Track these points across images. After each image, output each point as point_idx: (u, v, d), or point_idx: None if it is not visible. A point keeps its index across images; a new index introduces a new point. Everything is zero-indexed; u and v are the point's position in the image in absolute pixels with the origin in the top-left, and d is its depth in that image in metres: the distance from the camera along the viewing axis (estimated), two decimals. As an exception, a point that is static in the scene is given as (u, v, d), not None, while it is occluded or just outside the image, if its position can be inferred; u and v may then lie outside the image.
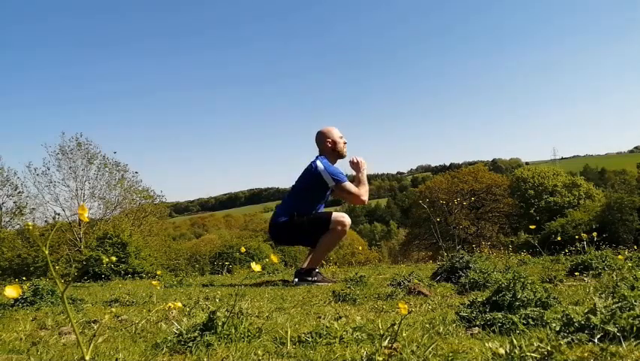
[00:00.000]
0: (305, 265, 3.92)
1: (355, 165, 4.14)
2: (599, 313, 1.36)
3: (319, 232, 3.83)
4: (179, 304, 1.91)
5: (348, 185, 3.93)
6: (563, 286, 2.59)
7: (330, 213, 3.87)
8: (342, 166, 4.16)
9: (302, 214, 3.87)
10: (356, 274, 3.37)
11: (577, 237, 3.86)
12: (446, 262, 3.34)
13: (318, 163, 3.92)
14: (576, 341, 1.28)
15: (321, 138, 4.08)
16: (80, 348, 1.16)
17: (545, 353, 1.15)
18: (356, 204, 4.04)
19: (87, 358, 0.98)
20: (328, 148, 4.05)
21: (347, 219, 3.83)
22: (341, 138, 4.09)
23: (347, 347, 1.50)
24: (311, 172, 3.92)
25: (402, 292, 2.71)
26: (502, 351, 1.23)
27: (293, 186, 4.14)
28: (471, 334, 1.62)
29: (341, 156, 4.10)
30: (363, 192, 3.99)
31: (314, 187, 3.94)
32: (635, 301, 1.37)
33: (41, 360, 1.56)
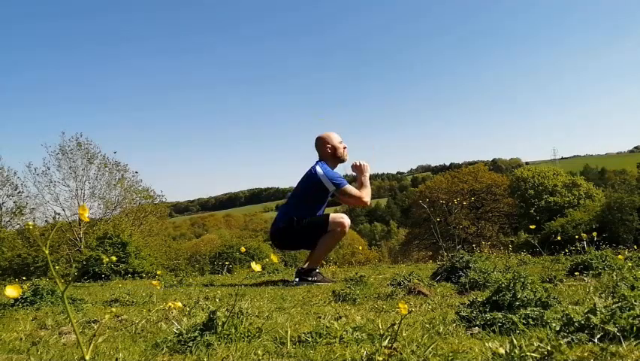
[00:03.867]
0: (305, 265, 3.92)
1: (358, 168, 4.13)
2: (599, 313, 1.36)
3: (319, 234, 3.82)
4: (179, 304, 1.91)
5: (349, 188, 3.92)
6: (563, 286, 2.59)
7: (328, 215, 3.87)
8: (343, 168, 4.17)
9: (301, 219, 3.86)
10: (356, 273, 3.37)
11: (577, 237, 3.86)
12: (446, 262, 3.33)
13: (318, 169, 3.91)
14: (576, 341, 1.28)
15: (321, 144, 4.08)
16: (80, 348, 1.16)
17: (545, 352, 1.15)
18: (358, 206, 4.04)
19: (87, 358, 0.98)
20: (328, 153, 4.04)
21: (346, 220, 3.82)
22: (341, 142, 4.08)
23: (347, 346, 1.50)
24: (311, 178, 3.92)
25: (402, 292, 2.71)
26: (502, 351, 1.23)
27: (293, 191, 4.14)
28: (471, 334, 1.62)
29: (341, 160, 4.09)
30: (365, 194, 3.98)
31: (314, 192, 3.94)
32: (635, 301, 1.37)
33: (41, 360, 1.56)
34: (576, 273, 3.00)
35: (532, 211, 31.35)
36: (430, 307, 2.24)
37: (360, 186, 4.04)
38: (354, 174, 4.18)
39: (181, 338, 1.63)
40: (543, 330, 1.52)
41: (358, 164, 4.13)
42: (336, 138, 4.08)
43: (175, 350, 1.59)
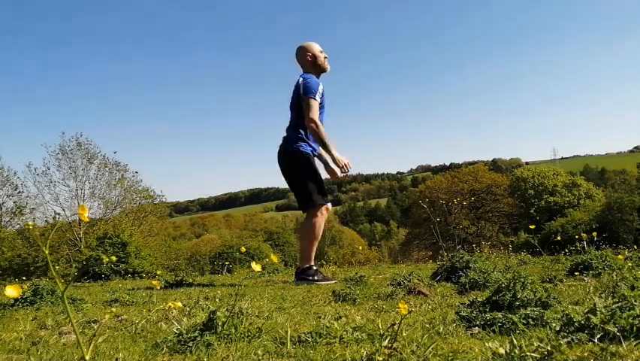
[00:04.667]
0: (300, 264, 3.90)
1: (340, 161, 3.91)
2: (599, 313, 1.36)
3: (304, 195, 3.82)
4: (179, 304, 1.91)
5: (312, 102, 3.76)
6: (563, 286, 2.59)
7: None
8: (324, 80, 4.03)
9: (307, 154, 3.83)
10: (356, 273, 3.37)
11: (577, 237, 3.86)
12: (446, 262, 3.33)
13: (300, 78, 3.90)
14: (576, 341, 1.28)
15: (302, 53, 4.06)
16: (80, 348, 1.16)
17: (545, 352, 1.15)
18: (305, 123, 3.81)
19: (87, 358, 0.98)
20: (308, 62, 4.02)
21: (329, 205, 3.88)
22: (321, 52, 4.07)
23: (347, 346, 1.50)
24: (297, 87, 3.90)
25: (402, 292, 2.71)
26: (502, 351, 1.23)
27: (290, 106, 4.05)
28: (471, 334, 1.62)
29: (323, 69, 4.07)
30: (317, 128, 3.74)
31: (301, 102, 3.89)
32: (635, 301, 1.37)
33: (41, 360, 1.56)
34: (576, 273, 3.00)
35: (532, 211, 31.32)
36: (430, 307, 2.24)
37: (325, 148, 3.86)
38: (351, 173, 4.06)
39: (181, 338, 1.63)
40: (543, 330, 1.52)
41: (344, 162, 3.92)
42: (316, 47, 4.06)
43: (175, 350, 1.59)
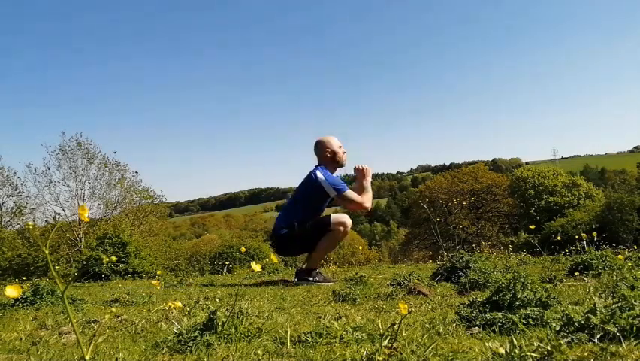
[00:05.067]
0: (304, 265, 3.92)
1: (360, 172, 4.09)
2: (599, 313, 1.36)
3: (322, 235, 3.81)
4: (179, 304, 1.91)
5: (350, 193, 3.89)
6: (563, 286, 2.59)
7: (329, 215, 3.86)
8: (344, 170, 4.16)
9: (303, 222, 3.85)
10: (356, 273, 3.37)
11: (577, 237, 3.86)
12: (446, 262, 3.33)
13: (319, 174, 3.89)
14: (576, 341, 1.28)
15: (320, 148, 4.06)
16: (80, 348, 1.16)
17: (545, 352, 1.15)
18: (359, 211, 4.02)
19: (87, 358, 0.98)
20: (327, 158, 4.03)
21: (348, 220, 3.82)
22: (340, 147, 4.07)
23: (347, 346, 1.50)
24: (311, 183, 3.90)
25: (402, 292, 2.71)
26: (502, 351, 1.23)
27: (293, 195, 4.12)
28: (471, 334, 1.62)
29: (340, 165, 4.08)
30: (366, 199, 3.95)
31: (314, 197, 3.93)
32: (635, 301, 1.37)
33: (41, 360, 1.56)
34: (576, 273, 3.00)
35: (532, 211, 31.31)
36: (430, 307, 2.24)
37: (362, 190, 4.00)
38: (354, 174, 4.16)
39: (181, 338, 1.63)
40: (543, 330, 1.52)
41: (361, 168, 4.09)
42: (335, 143, 4.06)
43: (175, 350, 1.59)
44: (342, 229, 3.79)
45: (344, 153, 4.09)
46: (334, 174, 4.01)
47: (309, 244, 3.92)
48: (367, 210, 3.99)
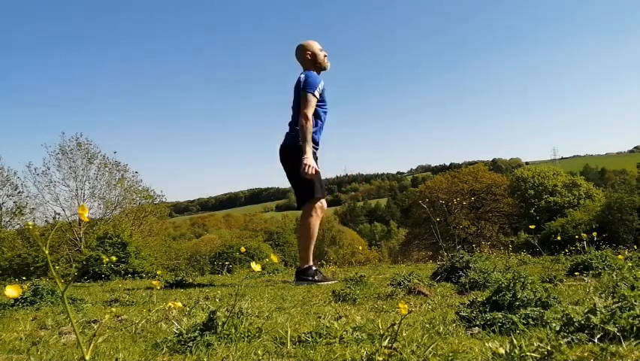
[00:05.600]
0: (300, 264, 3.92)
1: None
2: (599, 313, 1.36)
3: (305, 190, 3.83)
4: (179, 304, 1.91)
5: (310, 97, 3.78)
6: (563, 286, 2.59)
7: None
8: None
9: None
10: (356, 273, 3.37)
11: (577, 237, 3.86)
12: (446, 262, 3.33)
13: (302, 75, 3.92)
14: (576, 341, 1.28)
15: (301, 51, 4.07)
16: (80, 348, 1.16)
17: (545, 352, 1.15)
18: (300, 117, 3.79)
19: (87, 358, 0.98)
20: (308, 61, 4.03)
21: (324, 204, 3.94)
22: (321, 50, 4.08)
23: (347, 346, 1.50)
24: (298, 84, 3.92)
25: (402, 292, 2.71)
26: (502, 351, 1.23)
27: (292, 104, 4.06)
28: (471, 334, 1.62)
29: (322, 67, 4.08)
30: (309, 121, 3.75)
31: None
32: (635, 301, 1.37)
33: (41, 360, 1.56)
34: (576, 273, 3.00)
35: (532, 211, 31.31)
36: (430, 307, 2.24)
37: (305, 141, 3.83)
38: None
39: (181, 338, 1.63)
40: (543, 330, 1.52)
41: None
42: (316, 45, 4.07)
43: (175, 350, 1.59)
44: (315, 214, 3.84)
45: (325, 56, 4.09)
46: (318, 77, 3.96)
47: (294, 182, 3.93)
48: (304, 120, 3.73)
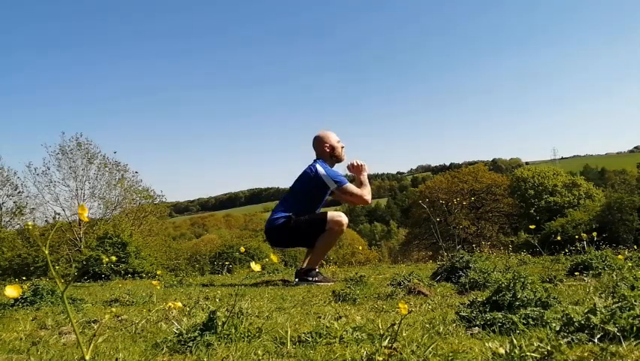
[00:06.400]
0: (304, 265, 3.92)
1: (356, 168, 4.12)
2: (599, 313, 1.36)
3: (316, 233, 3.82)
4: (179, 304, 1.91)
5: (351, 187, 3.93)
6: (563, 286, 2.59)
7: (326, 213, 3.86)
8: (340, 169, 4.17)
9: (300, 216, 3.85)
10: (356, 273, 3.37)
11: (577, 237, 3.86)
12: (446, 262, 3.33)
13: (318, 167, 3.91)
14: (576, 341, 1.28)
15: (319, 143, 4.08)
16: (80, 348, 1.16)
17: (545, 352, 1.15)
18: (359, 204, 4.05)
19: (87, 358, 0.98)
20: (326, 153, 4.06)
21: (344, 219, 3.81)
22: (338, 142, 4.10)
23: (347, 346, 1.50)
24: (310, 176, 3.91)
25: (402, 292, 2.71)
26: (502, 351, 1.23)
27: (291, 189, 4.11)
28: (471, 334, 1.62)
29: (339, 160, 4.11)
30: (366, 192, 3.98)
31: (313, 191, 3.94)
32: (635, 301, 1.37)
33: (41, 360, 1.56)
34: (576, 273, 3.00)
35: (532, 211, 31.33)
36: (430, 307, 2.24)
37: (360, 184, 4.04)
38: (351, 173, 4.19)
39: (181, 338, 1.63)
40: (543, 330, 1.52)
41: (356, 164, 4.12)
42: (334, 137, 4.10)
43: (175, 350, 1.58)
44: (337, 228, 3.79)
45: (342, 147, 4.12)
46: (333, 169, 4.03)
47: (302, 239, 3.93)
48: (367, 203, 4.02)
